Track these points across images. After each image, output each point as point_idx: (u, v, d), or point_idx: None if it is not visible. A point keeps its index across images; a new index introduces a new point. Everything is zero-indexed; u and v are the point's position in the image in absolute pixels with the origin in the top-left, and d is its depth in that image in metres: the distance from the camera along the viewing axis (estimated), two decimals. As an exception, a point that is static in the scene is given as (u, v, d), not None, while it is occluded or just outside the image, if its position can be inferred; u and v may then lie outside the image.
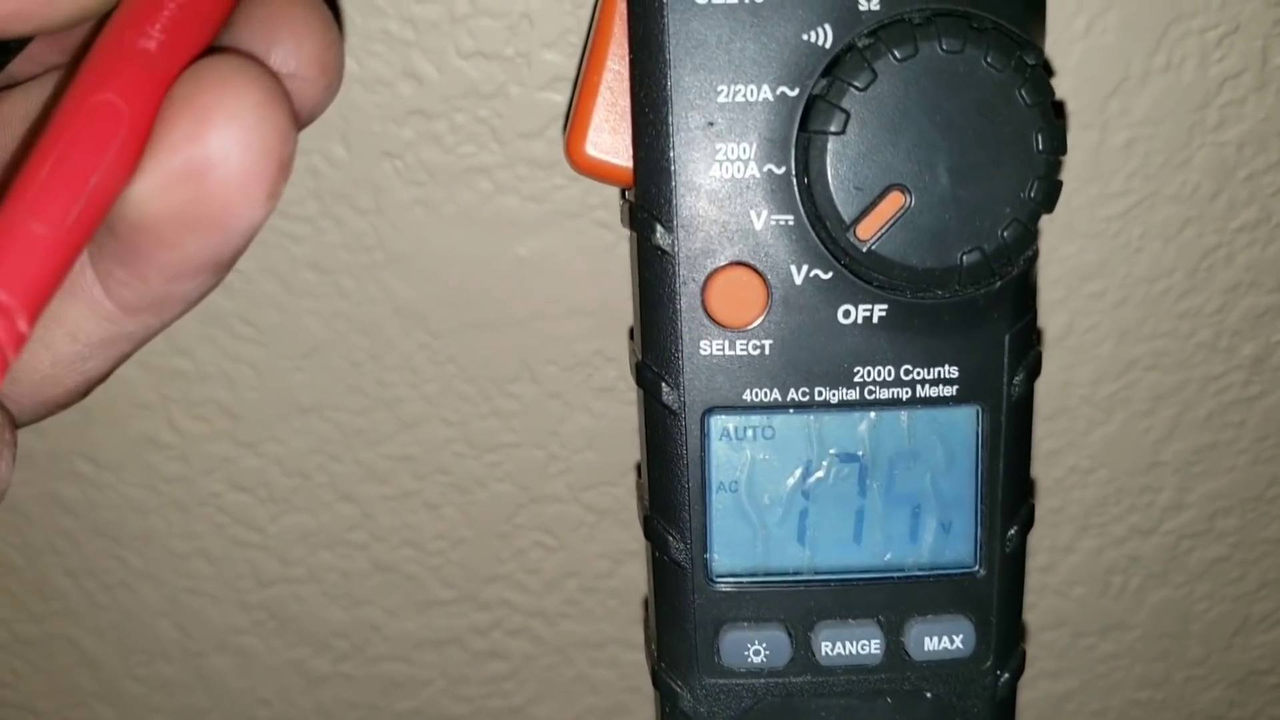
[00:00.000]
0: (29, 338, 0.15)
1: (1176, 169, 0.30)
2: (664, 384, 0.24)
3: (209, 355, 0.31)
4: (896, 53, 0.21)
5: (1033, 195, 0.22)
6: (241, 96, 0.16)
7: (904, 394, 0.24)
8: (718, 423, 0.24)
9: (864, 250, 0.22)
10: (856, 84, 0.22)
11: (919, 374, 0.23)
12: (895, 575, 0.24)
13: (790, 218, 0.23)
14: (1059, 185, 0.22)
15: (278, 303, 0.30)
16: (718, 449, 0.24)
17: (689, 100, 0.22)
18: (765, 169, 0.23)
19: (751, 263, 0.23)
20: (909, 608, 0.24)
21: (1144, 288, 0.32)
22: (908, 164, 0.22)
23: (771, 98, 0.22)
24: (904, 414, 0.24)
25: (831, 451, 0.24)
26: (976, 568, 0.25)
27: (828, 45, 0.22)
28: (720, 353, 0.23)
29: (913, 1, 0.22)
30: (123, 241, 0.17)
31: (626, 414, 0.32)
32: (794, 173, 0.22)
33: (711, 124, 0.22)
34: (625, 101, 0.23)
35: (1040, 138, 0.22)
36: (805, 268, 0.23)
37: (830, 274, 0.23)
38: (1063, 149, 0.22)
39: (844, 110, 0.22)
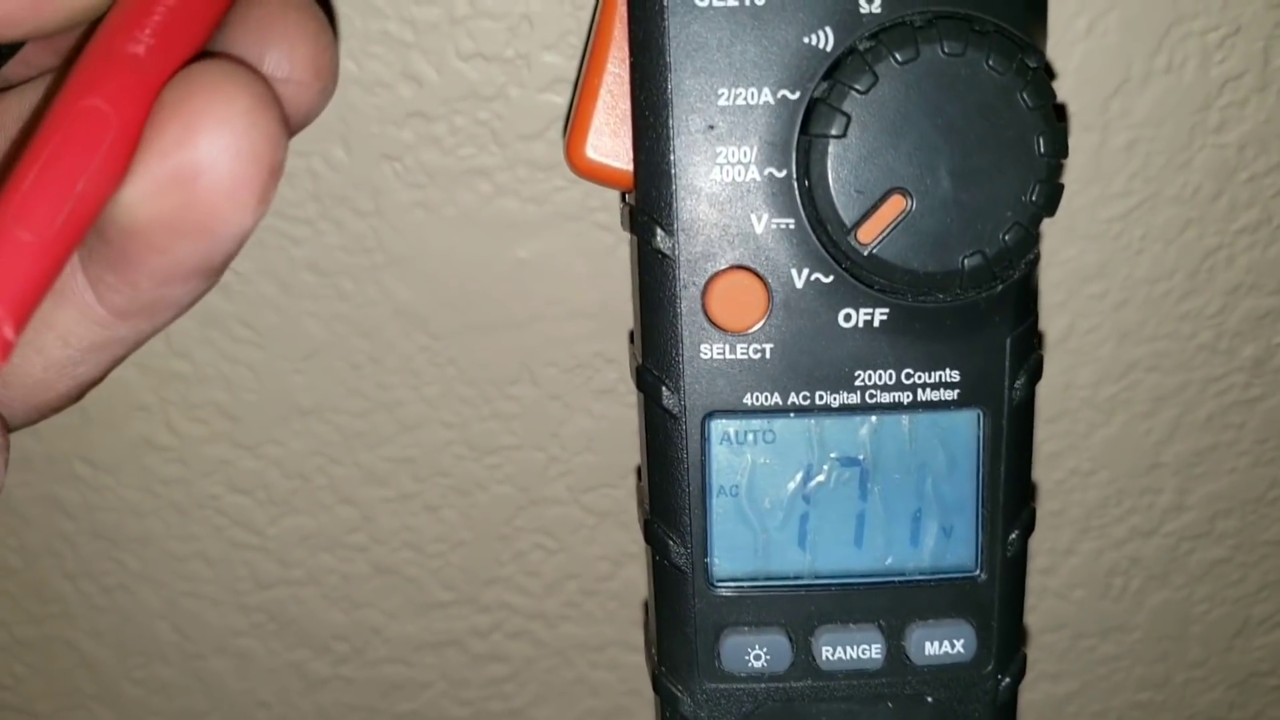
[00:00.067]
0: (16, 345, 0.15)
1: (1177, 171, 0.30)
2: (664, 388, 0.23)
3: (208, 357, 0.31)
4: (898, 56, 0.21)
5: (1034, 198, 0.22)
6: (231, 102, 0.16)
7: (905, 398, 0.24)
8: (718, 427, 0.24)
9: (865, 254, 0.22)
10: (858, 87, 0.21)
11: (920, 378, 0.23)
12: (896, 579, 0.24)
13: (791, 221, 0.23)
14: (1060, 188, 0.22)
15: (277, 305, 0.30)
16: (718, 453, 0.24)
17: (689, 103, 0.22)
18: (766, 172, 0.22)
19: (752, 266, 0.23)
20: (910, 612, 0.24)
21: (1145, 289, 0.32)
22: (909, 167, 0.22)
23: (772, 101, 0.22)
24: (905, 418, 0.24)
25: (832, 455, 0.24)
26: (978, 572, 0.24)
27: (829, 48, 0.22)
28: (721, 356, 0.23)
29: (914, 4, 0.22)
30: (113, 246, 0.17)
31: (626, 416, 0.32)
32: (795, 176, 0.22)
33: (712, 127, 0.22)
34: (625, 104, 0.23)
35: (1042, 141, 0.22)
36: (806, 271, 0.23)
37: (831, 277, 0.23)
38: (1064, 152, 0.22)
39: (845, 113, 0.22)
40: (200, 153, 0.16)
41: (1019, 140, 0.22)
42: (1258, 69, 0.29)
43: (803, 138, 0.22)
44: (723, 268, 0.23)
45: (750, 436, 0.24)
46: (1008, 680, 0.25)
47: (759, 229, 0.23)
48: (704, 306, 0.23)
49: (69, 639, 0.34)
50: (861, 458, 0.24)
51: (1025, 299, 0.24)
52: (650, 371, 0.24)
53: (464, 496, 0.33)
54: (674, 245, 0.23)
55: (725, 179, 0.23)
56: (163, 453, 0.32)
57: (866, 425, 0.24)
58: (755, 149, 0.22)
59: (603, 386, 0.32)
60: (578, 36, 0.28)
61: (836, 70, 0.22)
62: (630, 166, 0.23)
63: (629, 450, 0.32)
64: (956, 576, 0.24)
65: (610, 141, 0.24)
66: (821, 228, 0.22)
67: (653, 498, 0.24)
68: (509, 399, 0.32)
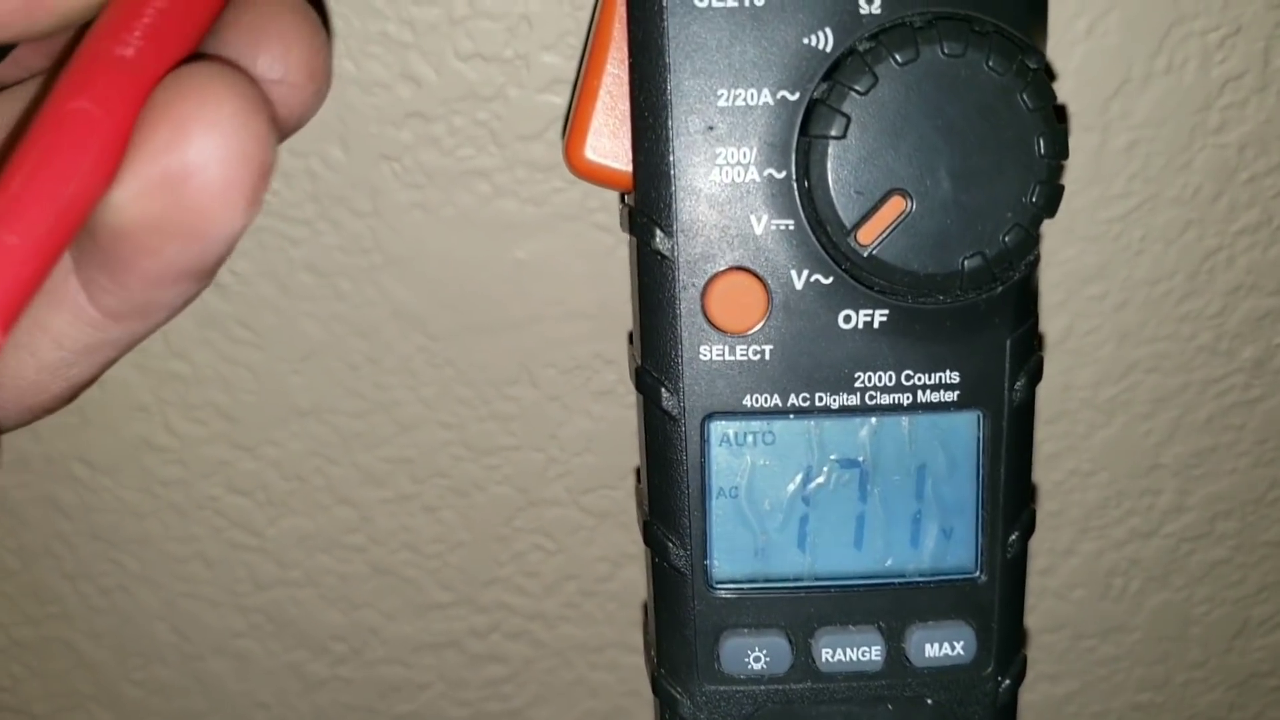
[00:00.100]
0: (4, 346, 0.15)
1: (1178, 171, 0.30)
2: (664, 389, 0.23)
3: (206, 358, 0.31)
4: (898, 56, 0.21)
5: (1034, 200, 0.22)
6: (220, 104, 0.16)
7: (905, 399, 0.23)
8: (718, 428, 0.24)
9: (865, 255, 0.22)
10: (857, 88, 0.21)
11: (920, 379, 0.23)
12: (896, 581, 0.24)
13: (791, 222, 0.23)
14: (1061, 190, 0.22)
15: (275, 305, 0.30)
16: (718, 454, 0.24)
17: (689, 104, 0.22)
18: (765, 173, 0.22)
19: (752, 268, 0.23)
20: (910, 614, 0.24)
21: (1145, 290, 0.32)
22: (909, 168, 0.22)
23: (772, 102, 0.22)
24: (905, 419, 0.24)
25: (832, 457, 0.24)
26: (978, 574, 0.24)
27: (828, 49, 0.22)
28: (720, 358, 0.23)
29: (914, 5, 0.22)
30: (104, 249, 0.16)
31: (625, 417, 0.32)
32: (794, 177, 0.22)
33: (711, 128, 0.22)
34: (625, 105, 0.23)
35: (1042, 142, 0.22)
36: (806, 273, 0.23)
37: (831, 279, 0.23)
38: (1065, 153, 0.22)
39: (845, 114, 0.21)
40: (189, 155, 0.16)
41: (1019, 141, 0.22)
42: (1258, 69, 0.29)
43: (802, 139, 0.22)
44: (722, 269, 0.23)
45: (750, 438, 0.24)
46: (1008, 682, 0.25)
47: (758, 230, 0.23)
48: (703, 308, 0.23)
49: (67, 640, 0.34)
50: (861, 459, 0.24)
51: (1025, 300, 0.24)
52: (649, 373, 0.24)
53: (462, 497, 0.33)
54: (673, 246, 0.23)
55: (725, 180, 0.22)
56: (161, 454, 0.32)
57: (866, 427, 0.24)
58: (755, 150, 0.22)
59: (601, 387, 0.32)
60: (577, 37, 0.28)
61: (836, 71, 0.22)
62: (629, 167, 0.23)
63: (628, 451, 0.32)
64: (956, 578, 0.24)
65: (609, 142, 0.23)
66: (821, 229, 0.22)
67: (652, 499, 0.24)
68: (507, 400, 0.32)
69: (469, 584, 0.34)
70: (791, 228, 0.23)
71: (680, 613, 0.24)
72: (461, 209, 0.30)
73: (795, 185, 0.22)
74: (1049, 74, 0.22)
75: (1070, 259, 0.31)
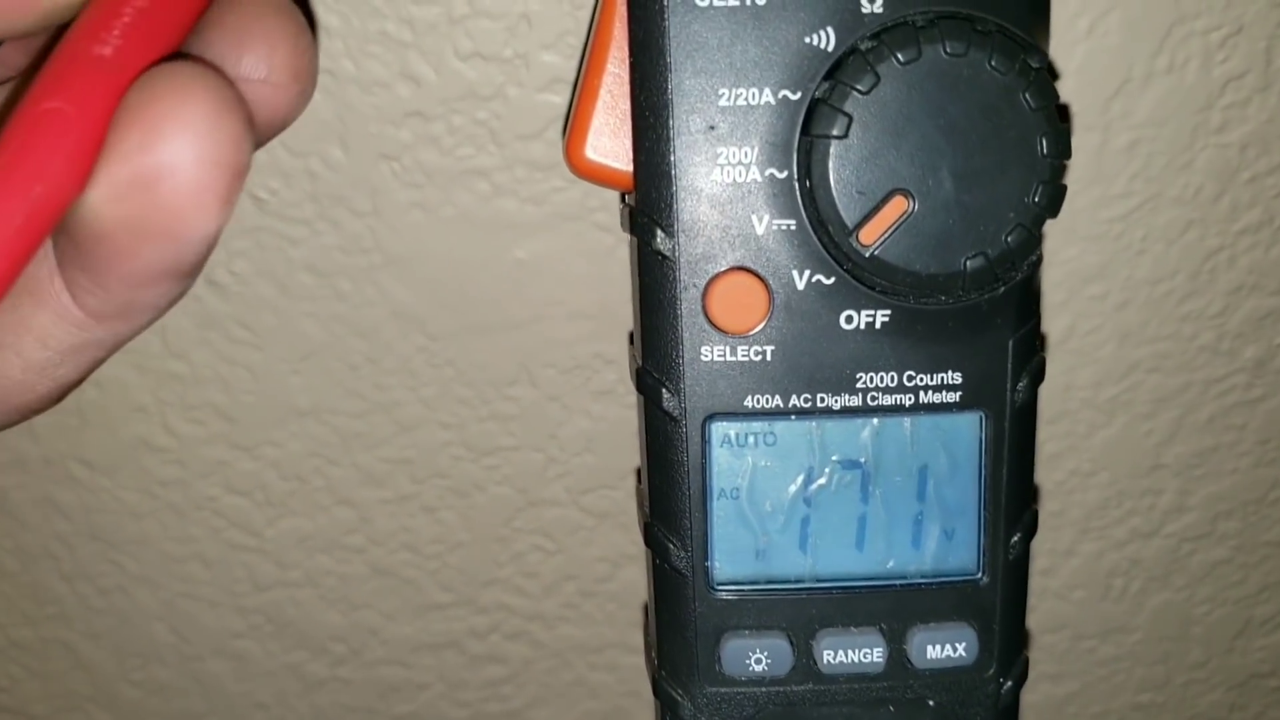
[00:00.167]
0: None
1: (1179, 171, 0.30)
2: (664, 390, 0.23)
3: (205, 358, 0.31)
4: (900, 56, 0.21)
5: (1037, 200, 0.22)
6: (195, 105, 0.16)
7: (907, 400, 0.23)
8: (719, 429, 0.24)
9: (866, 255, 0.22)
10: (859, 87, 0.21)
11: (922, 380, 0.23)
12: (898, 583, 0.24)
13: (792, 222, 0.23)
14: (1063, 190, 0.22)
15: (274, 305, 0.30)
16: (719, 455, 0.24)
17: (690, 104, 0.22)
18: (767, 173, 0.22)
19: (753, 268, 0.23)
20: (911, 615, 0.24)
21: (1146, 290, 0.32)
22: (911, 168, 0.22)
23: (773, 101, 0.22)
24: (907, 420, 0.24)
25: (834, 458, 0.24)
26: (980, 575, 0.24)
27: (830, 48, 0.22)
28: (721, 358, 0.23)
29: (916, 4, 0.22)
30: (81, 249, 0.16)
31: (625, 417, 0.32)
32: (796, 177, 0.22)
33: (712, 128, 0.22)
34: (625, 105, 0.23)
35: (1044, 142, 0.22)
36: (807, 273, 0.23)
37: (832, 279, 0.23)
38: (1067, 153, 0.22)
39: (846, 114, 0.21)
40: (162, 156, 0.15)
41: (1021, 141, 0.21)
42: (1260, 69, 0.29)
43: (804, 138, 0.22)
44: (723, 269, 0.23)
45: (751, 439, 0.24)
46: (1010, 683, 0.25)
47: (760, 230, 0.23)
48: (704, 308, 0.23)
49: (66, 641, 0.34)
50: (863, 460, 0.24)
51: (1027, 301, 0.23)
52: (650, 373, 0.24)
53: (462, 498, 0.33)
54: (674, 246, 0.23)
55: (726, 180, 0.22)
56: (160, 454, 0.32)
57: (868, 427, 0.24)
58: (756, 150, 0.22)
59: (601, 388, 0.32)
60: (577, 36, 0.28)
61: (838, 70, 0.22)
62: (630, 167, 0.23)
63: (628, 452, 0.32)
64: (958, 580, 0.24)
65: (610, 142, 0.23)
66: (823, 229, 0.22)
67: (653, 500, 0.24)
68: (507, 400, 0.32)
69: (468, 584, 0.34)
70: (793, 228, 0.23)
71: (681, 614, 0.24)
72: (461, 209, 0.29)
73: (797, 185, 0.22)
74: (1051, 73, 0.22)
75: (1072, 259, 0.31)
